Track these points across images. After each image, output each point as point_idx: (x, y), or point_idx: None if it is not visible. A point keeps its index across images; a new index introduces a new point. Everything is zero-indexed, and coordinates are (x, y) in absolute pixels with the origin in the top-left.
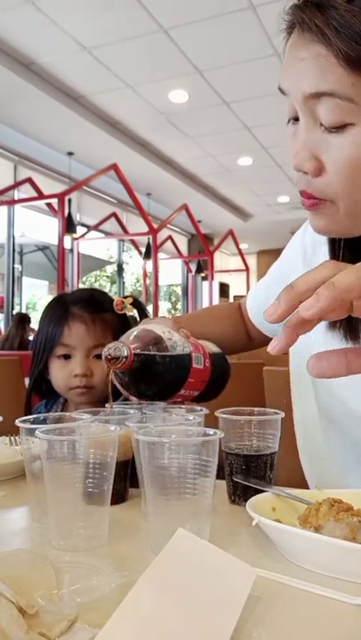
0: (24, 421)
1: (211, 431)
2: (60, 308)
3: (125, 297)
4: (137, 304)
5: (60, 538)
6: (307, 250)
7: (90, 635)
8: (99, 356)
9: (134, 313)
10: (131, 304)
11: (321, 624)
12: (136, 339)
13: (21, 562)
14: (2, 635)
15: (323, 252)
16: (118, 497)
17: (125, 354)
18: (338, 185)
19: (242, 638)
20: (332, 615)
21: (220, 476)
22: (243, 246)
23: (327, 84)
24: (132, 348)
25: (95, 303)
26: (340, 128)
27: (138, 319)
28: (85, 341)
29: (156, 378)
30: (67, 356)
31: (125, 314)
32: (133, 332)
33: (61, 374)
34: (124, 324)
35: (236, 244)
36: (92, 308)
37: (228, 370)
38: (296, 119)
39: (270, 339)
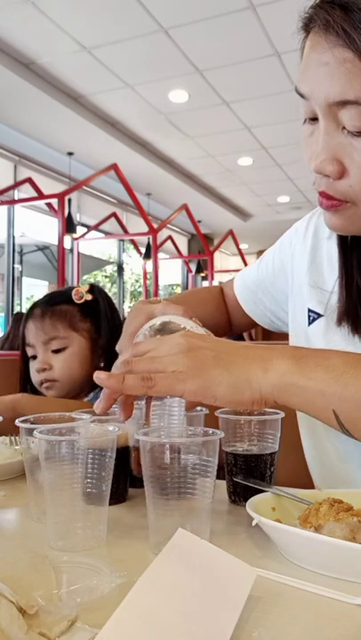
0: (24, 421)
1: (211, 431)
2: (26, 313)
3: (82, 285)
4: (94, 290)
5: (58, 538)
6: (306, 245)
7: (90, 635)
8: (55, 350)
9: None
10: (88, 291)
11: (321, 624)
12: (159, 331)
13: (21, 562)
14: (2, 635)
15: (325, 247)
16: (118, 497)
17: None
18: (359, 187)
19: (242, 638)
20: (332, 615)
21: (220, 476)
22: (243, 246)
23: (354, 92)
24: None
25: (49, 299)
26: None
27: (100, 304)
28: (39, 337)
29: None
30: (34, 357)
31: (97, 301)
32: (157, 322)
33: (33, 373)
34: (90, 311)
35: (236, 244)
36: (44, 305)
37: None
38: (313, 119)
39: (254, 323)
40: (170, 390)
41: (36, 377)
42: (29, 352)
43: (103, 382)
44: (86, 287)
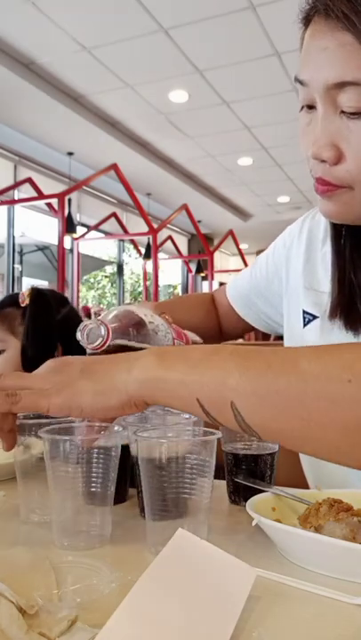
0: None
1: (209, 431)
2: None
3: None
4: (33, 292)
5: (64, 538)
6: (301, 247)
7: (90, 635)
8: None
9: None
10: (28, 295)
11: (321, 624)
12: (115, 319)
13: (21, 562)
14: (2, 635)
15: (320, 249)
16: (118, 497)
17: (103, 333)
18: (356, 171)
19: (242, 638)
20: (332, 615)
21: (220, 476)
22: (243, 246)
23: (353, 74)
24: (111, 329)
25: (1, 303)
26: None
27: (28, 309)
28: None
29: None
30: None
31: (41, 305)
32: (113, 312)
33: None
34: (33, 314)
35: (236, 244)
36: None
37: None
38: (310, 107)
39: (249, 327)
40: (34, 406)
41: None
42: None
43: None
44: (29, 291)
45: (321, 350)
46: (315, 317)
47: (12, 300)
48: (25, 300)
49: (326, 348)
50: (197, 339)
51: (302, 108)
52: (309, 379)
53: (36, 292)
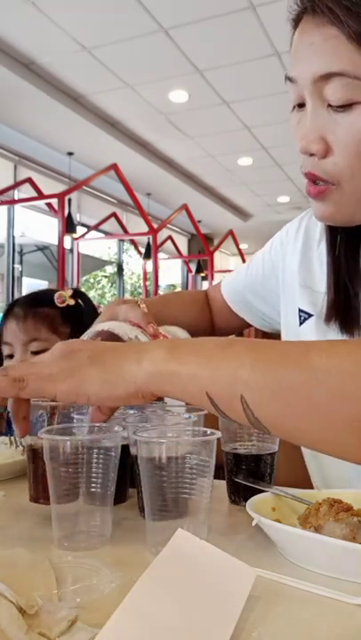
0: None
1: (209, 431)
2: (6, 310)
3: (66, 289)
4: (77, 295)
5: (64, 538)
6: (297, 246)
7: (90, 635)
8: (35, 352)
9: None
10: (71, 296)
11: (321, 624)
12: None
13: (21, 562)
14: (2, 635)
15: (316, 248)
16: (118, 497)
17: None
18: (344, 164)
19: (242, 638)
20: (333, 615)
21: (219, 476)
22: (243, 246)
23: (339, 65)
24: None
25: (32, 299)
26: (347, 107)
27: (83, 310)
28: (19, 337)
29: None
30: (11, 356)
31: (79, 306)
32: (95, 330)
33: None
34: (71, 316)
35: (236, 244)
36: (27, 305)
37: None
38: (300, 106)
39: (245, 324)
40: (41, 391)
41: None
42: (5, 350)
43: None
44: (69, 292)
45: (335, 345)
46: (310, 316)
47: (47, 298)
48: (66, 301)
49: (340, 342)
50: (186, 336)
51: (293, 108)
52: (320, 373)
53: (80, 293)
